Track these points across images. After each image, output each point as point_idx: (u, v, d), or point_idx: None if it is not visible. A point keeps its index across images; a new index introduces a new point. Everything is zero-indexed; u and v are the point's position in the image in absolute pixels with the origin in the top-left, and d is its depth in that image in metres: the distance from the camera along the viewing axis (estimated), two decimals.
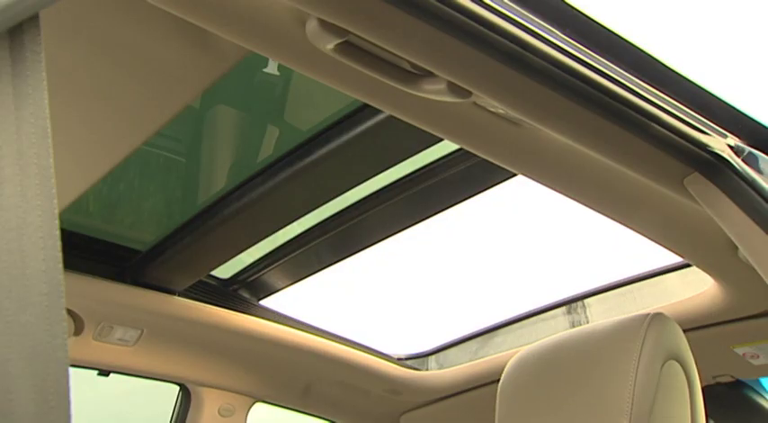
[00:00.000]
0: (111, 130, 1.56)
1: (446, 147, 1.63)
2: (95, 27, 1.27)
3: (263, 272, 2.18)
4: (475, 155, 1.33)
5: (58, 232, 0.50)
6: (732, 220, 1.17)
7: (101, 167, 1.66)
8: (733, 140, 1.23)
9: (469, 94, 1.08)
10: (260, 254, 2.13)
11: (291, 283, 2.21)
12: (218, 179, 1.98)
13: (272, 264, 2.13)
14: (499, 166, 1.35)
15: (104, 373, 2.21)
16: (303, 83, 1.72)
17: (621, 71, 1.11)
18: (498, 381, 1.44)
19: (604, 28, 1.11)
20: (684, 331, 1.33)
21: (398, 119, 1.23)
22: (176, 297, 2.10)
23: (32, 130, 0.52)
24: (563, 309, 2.24)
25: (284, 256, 2.08)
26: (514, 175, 1.60)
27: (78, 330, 2.04)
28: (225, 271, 2.21)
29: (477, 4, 0.94)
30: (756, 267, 1.18)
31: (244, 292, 2.27)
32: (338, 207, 1.88)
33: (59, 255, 0.50)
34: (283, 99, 1.80)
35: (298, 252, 2.05)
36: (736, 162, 1.18)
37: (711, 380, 2.08)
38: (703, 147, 1.18)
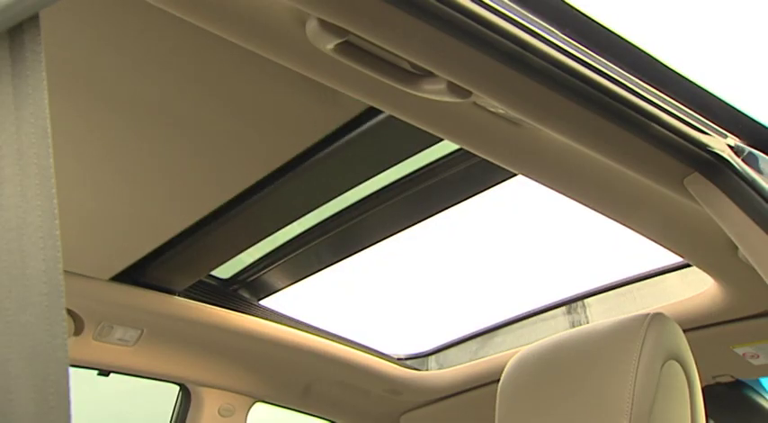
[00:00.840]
0: (214, 175, 1.61)
1: (446, 147, 1.63)
2: (218, 75, 1.32)
3: (263, 272, 2.18)
4: (475, 155, 1.33)
5: (57, 232, 0.50)
6: (732, 220, 1.17)
7: (201, 210, 1.74)
8: (733, 140, 1.23)
9: (469, 94, 1.08)
10: (260, 254, 2.13)
11: (291, 283, 2.21)
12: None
13: (272, 264, 2.13)
14: (499, 166, 1.35)
15: (104, 373, 2.21)
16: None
17: (621, 71, 1.11)
18: (498, 381, 1.44)
19: (604, 28, 1.11)
20: (684, 331, 1.33)
21: (398, 119, 1.23)
22: (176, 297, 2.10)
23: (32, 130, 0.52)
24: (563, 309, 2.24)
25: (284, 256, 2.08)
26: (514, 175, 1.60)
27: (78, 330, 2.04)
28: (225, 271, 2.21)
29: (477, 4, 0.94)
30: (756, 267, 1.18)
31: (244, 292, 2.26)
32: (338, 207, 1.88)
33: (59, 255, 0.50)
34: None
35: (298, 252, 2.05)
36: (736, 162, 1.18)
37: (711, 380, 2.08)
38: (703, 147, 1.18)
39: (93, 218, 1.74)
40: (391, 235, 1.95)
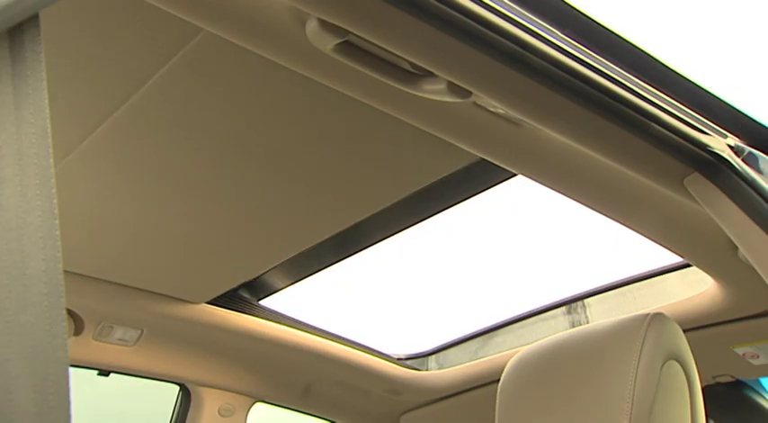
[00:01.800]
0: (313, 210, 1.69)
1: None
2: (334, 122, 1.39)
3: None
4: (475, 155, 1.33)
5: (57, 232, 0.50)
6: (732, 220, 1.17)
7: (294, 248, 1.86)
8: (733, 140, 1.23)
9: (469, 94, 1.08)
10: None
11: (291, 283, 2.21)
12: None
13: None
14: (499, 166, 1.35)
15: (104, 373, 2.21)
16: None
17: (621, 71, 1.11)
18: (498, 381, 1.44)
19: (604, 28, 1.11)
20: (684, 331, 1.33)
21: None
22: (176, 297, 2.10)
23: (32, 130, 0.52)
24: (563, 309, 2.24)
25: None
26: (514, 175, 1.60)
27: (78, 330, 2.04)
28: None
29: (477, 4, 0.94)
30: (756, 267, 1.18)
31: (244, 292, 2.26)
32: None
33: (59, 255, 0.50)
34: None
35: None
36: (736, 162, 1.18)
37: (711, 380, 2.08)
38: (703, 147, 1.18)
39: (190, 243, 1.82)
40: (391, 235, 1.95)
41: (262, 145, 1.45)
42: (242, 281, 2.04)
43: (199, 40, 1.19)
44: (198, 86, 1.30)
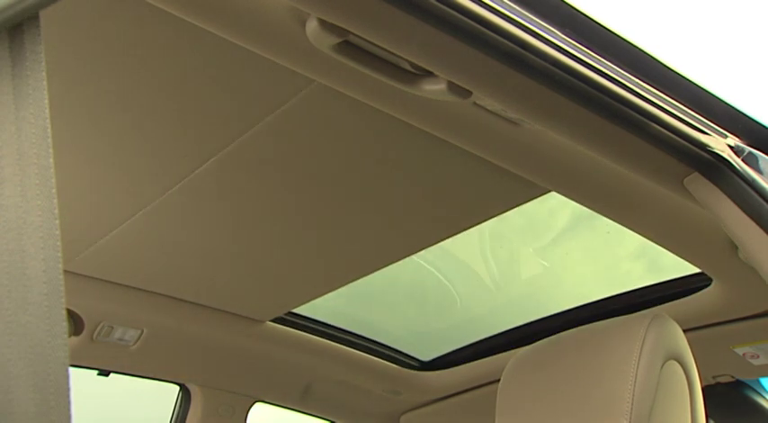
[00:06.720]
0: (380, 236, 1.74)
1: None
2: (403, 152, 1.44)
3: None
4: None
5: (58, 232, 0.50)
6: (732, 220, 1.17)
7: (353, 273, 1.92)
8: (733, 140, 1.23)
9: (469, 94, 1.08)
10: None
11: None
12: None
13: None
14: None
15: (104, 373, 2.21)
16: None
17: (621, 71, 1.11)
18: (498, 381, 1.44)
19: (604, 28, 1.11)
20: (684, 331, 1.33)
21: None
22: (176, 297, 2.10)
23: (32, 131, 0.52)
24: None
25: None
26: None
27: (78, 330, 2.04)
28: None
29: (477, 4, 0.94)
30: (756, 267, 1.18)
31: None
32: None
33: (59, 255, 0.50)
34: None
35: None
36: (736, 162, 1.18)
37: (711, 380, 2.08)
38: (703, 147, 1.18)
39: (262, 265, 1.89)
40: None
41: (344, 181, 1.53)
42: (306, 301, 2.12)
43: (305, 93, 1.27)
44: (302, 132, 1.39)
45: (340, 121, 1.36)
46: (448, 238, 1.73)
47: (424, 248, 1.80)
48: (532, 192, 1.53)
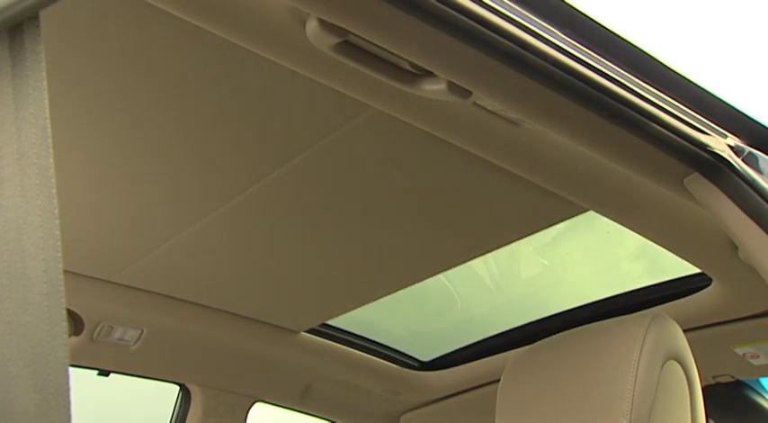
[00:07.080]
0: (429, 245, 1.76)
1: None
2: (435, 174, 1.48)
3: None
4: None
5: (58, 232, 0.50)
6: (732, 220, 1.17)
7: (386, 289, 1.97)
8: (733, 140, 1.23)
9: (469, 94, 1.08)
10: None
11: None
12: None
13: None
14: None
15: (104, 373, 2.21)
16: None
17: (621, 71, 1.11)
18: (498, 381, 1.44)
19: (604, 28, 1.11)
20: (684, 331, 1.33)
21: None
22: (176, 298, 2.10)
23: (33, 131, 0.52)
24: None
25: None
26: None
27: (78, 330, 2.04)
28: None
29: (477, 4, 0.94)
30: (756, 267, 1.18)
31: None
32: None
33: (59, 255, 0.50)
34: None
35: None
36: (736, 162, 1.18)
37: (711, 380, 2.08)
38: (703, 147, 1.18)
39: (299, 277, 1.94)
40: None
41: (385, 200, 1.57)
42: (339, 314, 2.16)
43: (358, 120, 1.31)
44: (349, 154, 1.42)
45: (383, 144, 1.40)
46: (481, 255, 1.76)
47: (456, 266, 1.83)
48: (570, 211, 1.55)
